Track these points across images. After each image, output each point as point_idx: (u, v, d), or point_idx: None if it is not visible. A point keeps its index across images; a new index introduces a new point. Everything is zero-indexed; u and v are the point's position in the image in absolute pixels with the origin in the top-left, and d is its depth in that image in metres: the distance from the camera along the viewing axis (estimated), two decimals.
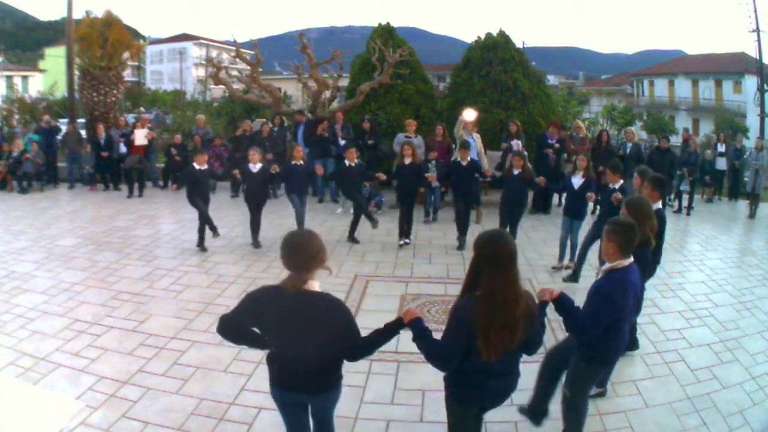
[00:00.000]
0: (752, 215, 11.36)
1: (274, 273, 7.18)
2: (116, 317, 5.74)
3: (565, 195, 7.87)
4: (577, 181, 7.33)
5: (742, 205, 12.40)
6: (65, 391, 4.26)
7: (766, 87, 21.98)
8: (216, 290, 6.56)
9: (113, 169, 12.91)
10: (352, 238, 8.54)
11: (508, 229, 7.88)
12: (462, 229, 8.39)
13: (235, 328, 2.84)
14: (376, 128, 11.52)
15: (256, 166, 8.13)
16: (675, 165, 11.33)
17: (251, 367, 4.75)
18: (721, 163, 12.73)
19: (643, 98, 44.34)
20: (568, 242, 7.49)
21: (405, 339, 5.28)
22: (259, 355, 4.93)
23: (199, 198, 7.97)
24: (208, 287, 6.67)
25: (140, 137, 12.48)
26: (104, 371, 4.61)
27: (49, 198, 12.00)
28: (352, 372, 4.67)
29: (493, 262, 2.66)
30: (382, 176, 8.67)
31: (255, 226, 8.23)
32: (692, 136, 16.04)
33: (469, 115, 10.01)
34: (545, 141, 10.62)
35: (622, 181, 6.59)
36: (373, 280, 6.96)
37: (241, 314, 2.80)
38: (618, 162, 7.17)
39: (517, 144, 10.23)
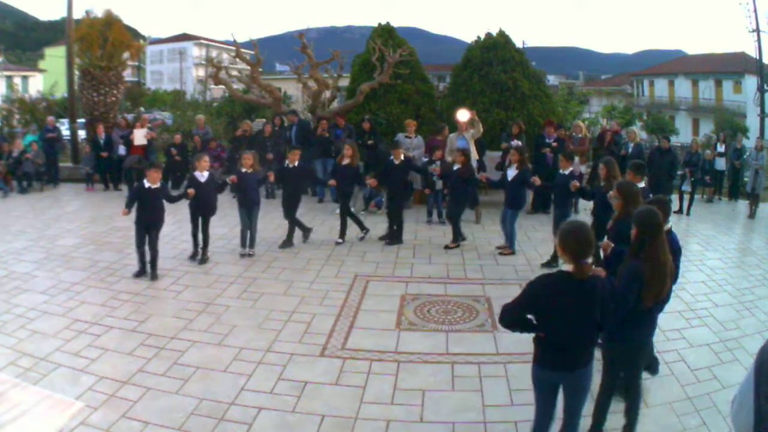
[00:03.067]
0: (752, 215, 11.36)
1: (273, 273, 7.18)
2: (116, 317, 5.74)
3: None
4: (511, 173, 7.92)
5: (742, 205, 12.39)
6: (65, 391, 4.25)
7: (766, 87, 21.93)
8: (216, 290, 6.56)
9: (113, 170, 12.91)
10: (307, 236, 8.42)
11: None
12: (391, 228, 8.51)
13: (516, 316, 3.21)
14: (376, 128, 11.52)
15: (203, 175, 7.38)
16: (675, 165, 11.34)
17: (251, 367, 4.75)
18: (720, 164, 12.73)
19: (643, 98, 44.34)
20: (516, 228, 8.04)
21: (405, 339, 5.30)
22: (259, 354, 4.95)
23: (147, 223, 6.83)
24: (208, 287, 6.67)
25: (139, 137, 12.48)
26: (104, 371, 4.61)
27: (49, 198, 12.00)
28: (352, 372, 4.69)
29: (652, 231, 3.50)
30: (333, 183, 8.52)
31: (199, 236, 7.57)
32: (694, 136, 16.02)
33: (462, 115, 10.02)
34: (543, 141, 10.64)
35: (572, 168, 7.36)
36: (373, 280, 6.96)
37: (526, 302, 3.18)
38: (571, 152, 7.96)
39: (517, 144, 10.22)
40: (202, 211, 7.47)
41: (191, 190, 7.21)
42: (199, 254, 7.58)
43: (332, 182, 8.57)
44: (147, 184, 6.85)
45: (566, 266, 3.15)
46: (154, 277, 6.86)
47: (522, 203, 8.15)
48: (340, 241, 8.48)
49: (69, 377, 4.52)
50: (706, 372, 4.75)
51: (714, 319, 5.91)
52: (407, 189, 8.94)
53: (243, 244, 7.88)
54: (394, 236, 8.50)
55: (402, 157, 8.49)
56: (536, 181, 7.76)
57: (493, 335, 5.41)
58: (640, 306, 3.52)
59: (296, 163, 8.21)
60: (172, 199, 7.20)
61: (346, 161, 8.38)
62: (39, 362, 4.73)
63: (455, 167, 8.22)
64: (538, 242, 8.72)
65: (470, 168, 8.40)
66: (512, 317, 3.21)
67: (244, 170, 7.73)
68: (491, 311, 5.97)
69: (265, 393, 4.37)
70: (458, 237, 8.33)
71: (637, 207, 4.60)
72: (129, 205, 6.87)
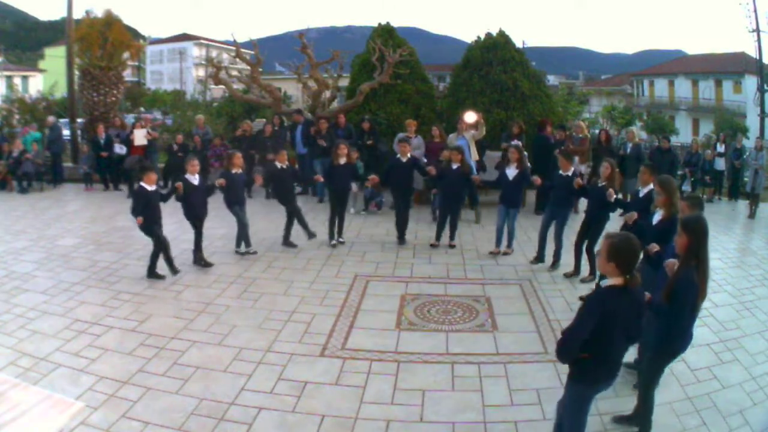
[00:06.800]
0: (752, 215, 11.37)
1: (273, 273, 7.19)
2: (116, 317, 5.74)
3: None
4: (511, 172, 7.89)
5: (742, 205, 12.39)
6: (65, 391, 4.25)
7: (766, 87, 21.92)
8: (216, 290, 6.56)
9: (113, 169, 12.91)
10: (287, 242, 8.31)
11: (448, 223, 8.34)
12: (401, 228, 8.53)
13: (581, 339, 3.00)
14: (375, 128, 11.52)
15: (195, 178, 7.32)
16: (675, 165, 11.34)
17: (251, 367, 4.75)
18: (720, 164, 12.73)
19: (643, 98, 44.36)
20: (505, 229, 7.97)
21: (405, 339, 5.30)
22: (259, 354, 4.95)
23: (156, 225, 6.90)
24: (208, 287, 6.67)
25: (139, 137, 12.48)
26: (104, 371, 4.61)
27: (49, 198, 12.00)
28: (352, 372, 4.69)
29: (703, 237, 3.72)
30: (320, 178, 8.60)
31: (198, 242, 7.51)
32: (694, 137, 16.02)
33: (470, 117, 10.03)
34: (546, 141, 10.61)
35: (573, 168, 7.52)
36: (373, 280, 6.96)
37: (590, 322, 2.98)
38: (565, 150, 7.95)
39: (517, 144, 10.22)
40: (196, 212, 7.39)
41: (179, 184, 7.18)
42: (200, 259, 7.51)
43: (319, 178, 8.86)
44: (148, 188, 6.85)
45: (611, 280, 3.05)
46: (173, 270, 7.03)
47: (521, 202, 8.29)
48: (339, 241, 8.51)
49: (69, 377, 4.52)
50: (706, 372, 4.75)
51: (714, 319, 5.92)
52: (474, 191, 8.96)
53: (248, 243, 7.99)
54: (402, 234, 8.56)
55: (408, 155, 8.41)
56: (537, 180, 7.70)
57: (493, 335, 5.41)
58: (692, 314, 3.64)
59: (286, 164, 8.29)
60: (164, 198, 7.14)
61: (342, 160, 8.26)
62: (39, 362, 4.73)
63: (454, 166, 8.13)
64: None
65: (468, 166, 8.40)
66: (578, 342, 3.00)
67: (233, 171, 7.75)
68: (491, 311, 5.97)
69: (265, 393, 4.37)
70: (455, 235, 8.44)
71: (677, 199, 4.93)
72: (137, 211, 6.77)
